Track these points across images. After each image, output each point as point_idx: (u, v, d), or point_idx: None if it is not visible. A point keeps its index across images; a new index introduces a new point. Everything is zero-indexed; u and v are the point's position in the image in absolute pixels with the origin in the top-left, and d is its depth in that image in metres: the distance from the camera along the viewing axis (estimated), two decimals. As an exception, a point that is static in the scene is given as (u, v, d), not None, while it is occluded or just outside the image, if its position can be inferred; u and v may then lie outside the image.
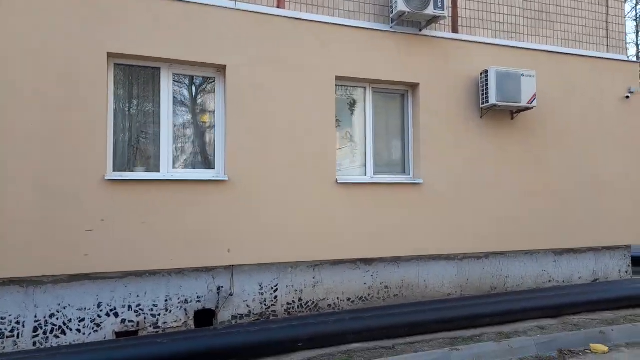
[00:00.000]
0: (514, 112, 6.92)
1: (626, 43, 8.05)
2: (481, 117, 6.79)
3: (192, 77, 5.68)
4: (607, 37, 7.88)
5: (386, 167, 6.57)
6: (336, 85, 6.13)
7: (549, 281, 7.29)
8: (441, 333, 5.39)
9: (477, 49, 6.86)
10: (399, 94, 6.67)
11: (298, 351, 4.82)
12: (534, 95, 6.61)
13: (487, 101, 6.50)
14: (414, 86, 6.55)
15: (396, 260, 6.34)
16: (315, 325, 5.07)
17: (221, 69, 5.59)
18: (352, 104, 6.45)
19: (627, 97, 7.69)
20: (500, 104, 6.45)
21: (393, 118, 6.70)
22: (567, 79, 7.40)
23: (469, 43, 6.83)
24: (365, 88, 6.44)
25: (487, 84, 6.51)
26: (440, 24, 6.72)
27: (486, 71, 6.54)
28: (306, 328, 5.01)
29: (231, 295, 5.45)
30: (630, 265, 7.91)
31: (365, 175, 6.35)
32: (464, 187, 6.64)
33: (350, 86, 6.37)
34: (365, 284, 6.17)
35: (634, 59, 16.80)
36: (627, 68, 7.84)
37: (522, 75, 6.57)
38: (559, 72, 7.34)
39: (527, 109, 6.73)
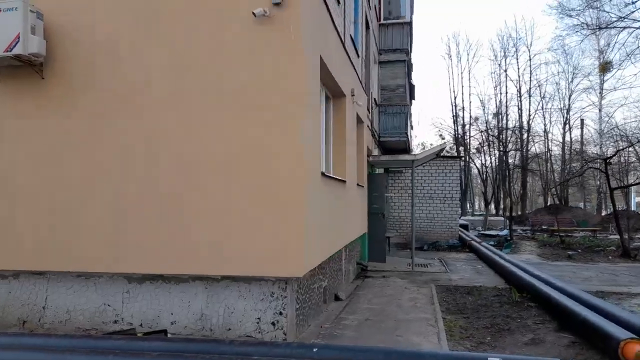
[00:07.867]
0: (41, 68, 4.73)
1: None
2: (-4, 80, 4.89)
3: None
4: None
5: None
6: None
7: (115, 322, 4.68)
8: None
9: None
10: None
11: None
12: (17, 37, 4.37)
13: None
14: None
15: None
16: None
17: None
18: None
19: (254, 14, 4.27)
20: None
21: None
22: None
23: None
24: None
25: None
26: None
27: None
28: None
29: None
30: (288, 313, 4.35)
31: None
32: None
33: None
34: None
35: None
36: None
37: (-3, 9, 4.43)
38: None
39: (22, 60, 4.52)
